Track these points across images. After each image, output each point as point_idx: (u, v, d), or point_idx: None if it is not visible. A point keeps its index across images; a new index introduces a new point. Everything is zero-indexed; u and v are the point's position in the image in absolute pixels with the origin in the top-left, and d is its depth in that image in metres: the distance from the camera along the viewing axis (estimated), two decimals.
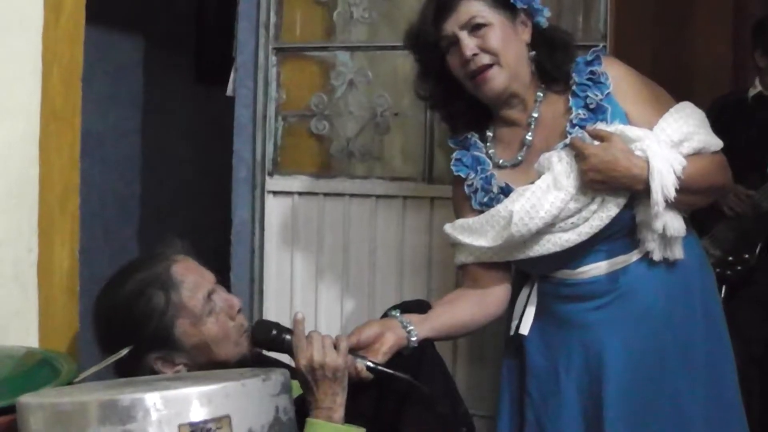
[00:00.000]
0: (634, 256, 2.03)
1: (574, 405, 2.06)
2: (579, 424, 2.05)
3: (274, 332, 1.88)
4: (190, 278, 1.90)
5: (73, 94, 1.95)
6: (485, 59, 1.99)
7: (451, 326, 2.08)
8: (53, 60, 1.90)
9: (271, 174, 2.67)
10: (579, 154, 1.95)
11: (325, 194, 2.63)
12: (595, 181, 1.94)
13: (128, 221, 3.59)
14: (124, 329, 1.86)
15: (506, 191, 2.05)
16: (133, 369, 1.84)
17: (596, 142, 1.95)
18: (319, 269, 2.63)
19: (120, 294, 1.87)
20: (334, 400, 1.80)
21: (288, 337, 1.86)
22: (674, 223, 1.97)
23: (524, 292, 2.15)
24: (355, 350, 1.90)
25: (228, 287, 2.62)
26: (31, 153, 1.88)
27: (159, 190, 3.71)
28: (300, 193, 2.65)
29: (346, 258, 2.60)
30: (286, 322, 2.56)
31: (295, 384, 2.19)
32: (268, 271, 2.66)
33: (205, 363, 1.89)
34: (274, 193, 2.67)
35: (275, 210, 2.67)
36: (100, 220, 3.36)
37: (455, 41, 2.00)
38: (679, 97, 2.09)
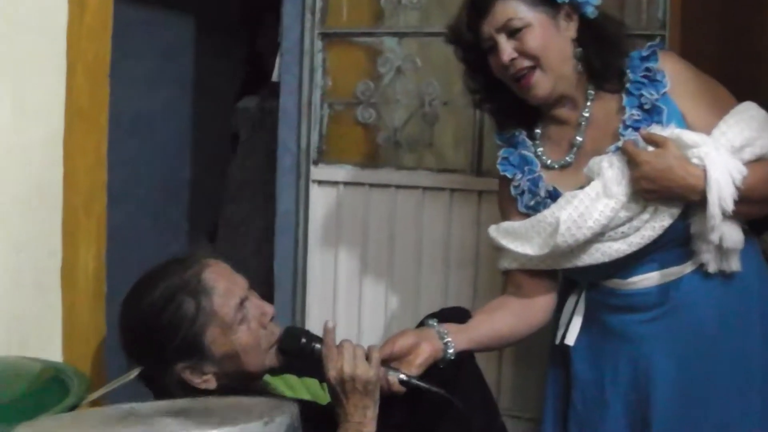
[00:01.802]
0: (687, 268, 1.92)
1: (620, 418, 1.97)
2: None
3: (304, 340, 1.81)
4: (222, 284, 1.84)
5: (99, 92, 1.89)
6: (525, 63, 1.88)
7: (491, 338, 2.00)
8: (78, 58, 1.84)
9: (316, 163, 2.59)
10: (631, 161, 1.84)
11: (371, 185, 2.55)
12: (648, 191, 1.83)
13: (177, 204, 3.54)
14: (151, 337, 1.79)
15: (554, 195, 1.95)
16: (160, 378, 1.80)
17: (650, 148, 1.84)
18: (363, 261, 2.56)
19: (148, 300, 1.80)
20: (365, 413, 1.72)
21: (318, 346, 1.78)
22: (732, 235, 1.85)
23: (571, 300, 2.05)
24: (388, 361, 1.83)
25: (267, 286, 2.60)
26: (54, 154, 1.83)
27: (207, 174, 3.66)
28: (345, 183, 2.57)
29: (391, 251, 2.53)
30: (329, 317, 2.55)
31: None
32: (312, 263, 2.60)
33: (234, 372, 1.83)
34: (319, 182, 2.60)
35: (320, 200, 2.60)
36: (148, 203, 3.33)
37: (494, 44, 1.89)
38: (748, 92, 1.95)
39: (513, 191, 2.01)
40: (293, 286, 2.61)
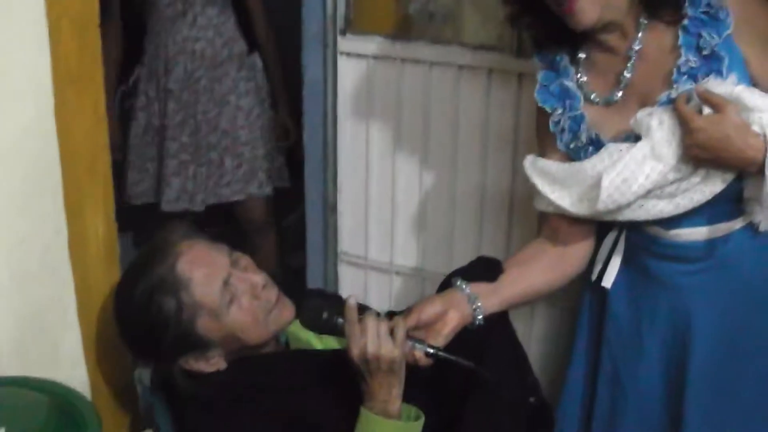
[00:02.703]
0: (738, 224, 1.80)
1: (655, 361, 1.92)
2: (658, 382, 1.93)
3: (326, 315, 1.75)
4: (199, 273, 1.76)
5: (90, 48, 1.70)
6: None
7: (524, 295, 1.92)
8: (62, 14, 1.64)
9: (343, 33, 2.38)
10: (684, 124, 1.65)
11: (403, 59, 2.35)
12: (701, 159, 1.66)
13: None
14: (144, 340, 1.78)
15: (597, 144, 1.79)
16: (167, 374, 1.79)
17: (706, 109, 1.64)
18: (396, 138, 2.43)
19: (130, 305, 1.77)
20: (390, 392, 1.70)
21: (340, 320, 1.72)
22: None
23: (610, 237, 1.94)
24: (414, 331, 1.78)
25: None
26: (48, 128, 1.69)
27: None
28: (375, 57, 2.38)
29: (426, 128, 2.38)
30: (361, 192, 2.47)
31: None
32: (342, 137, 2.47)
33: (240, 348, 1.81)
34: (347, 54, 2.40)
35: (349, 73, 2.42)
36: None
37: None
38: None
39: (552, 127, 1.84)
40: (323, 158, 2.50)
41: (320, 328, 1.78)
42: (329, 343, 1.97)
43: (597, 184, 1.73)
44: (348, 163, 2.50)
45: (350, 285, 2.60)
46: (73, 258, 1.79)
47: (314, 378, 1.80)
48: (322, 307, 1.76)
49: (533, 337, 2.45)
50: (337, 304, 1.75)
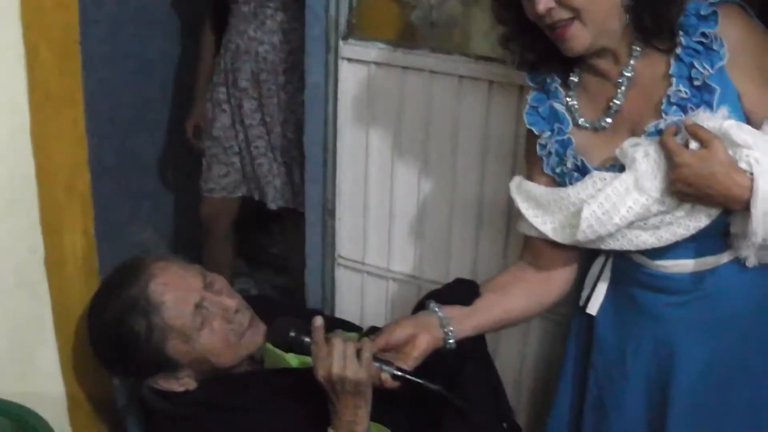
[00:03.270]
0: (724, 258, 1.76)
1: (640, 389, 1.91)
2: (642, 409, 1.92)
3: (293, 334, 1.76)
4: (171, 295, 1.76)
5: (70, 70, 1.69)
6: (563, 14, 1.62)
7: (499, 321, 1.90)
8: (39, 38, 1.63)
9: (345, 38, 2.35)
10: (669, 158, 1.61)
11: (404, 67, 2.32)
12: (685, 194, 1.62)
13: None
14: (114, 358, 1.80)
15: (582, 170, 1.75)
16: (137, 390, 1.80)
17: (693, 143, 1.60)
18: (396, 146, 2.40)
19: (101, 323, 1.79)
20: (356, 413, 1.70)
21: (307, 339, 1.73)
22: None
23: (597, 263, 1.92)
24: (383, 352, 1.76)
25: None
26: (23, 148, 1.69)
27: None
28: (377, 63, 2.34)
29: (426, 138, 2.35)
30: (360, 197, 2.45)
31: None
32: (342, 142, 2.45)
33: (210, 369, 1.81)
34: (349, 60, 2.37)
35: (350, 78, 2.39)
36: None
37: None
38: None
39: (539, 149, 1.81)
40: (323, 162, 2.48)
41: (287, 347, 1.78)
42: (306, 360, 1.96)
43: (579, 213, 1.71)
44: (347, 168, 2.48)
45: (347, 289, 2.60)
46: (50, 275, 1.79)
47: (285, 397, 1.81)
48: (290, 326, 1.76)
49: (528, 347, 2.43)
50: (307, 323, 1.75)
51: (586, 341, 1.98)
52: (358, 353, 1.68)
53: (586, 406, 1.98)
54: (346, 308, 2.61)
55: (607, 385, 1.93)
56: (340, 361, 1.66)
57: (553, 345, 2.37)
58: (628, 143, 1.68)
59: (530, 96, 1.83)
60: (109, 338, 1.77)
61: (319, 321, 1.70)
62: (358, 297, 2.59)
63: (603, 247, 1.76)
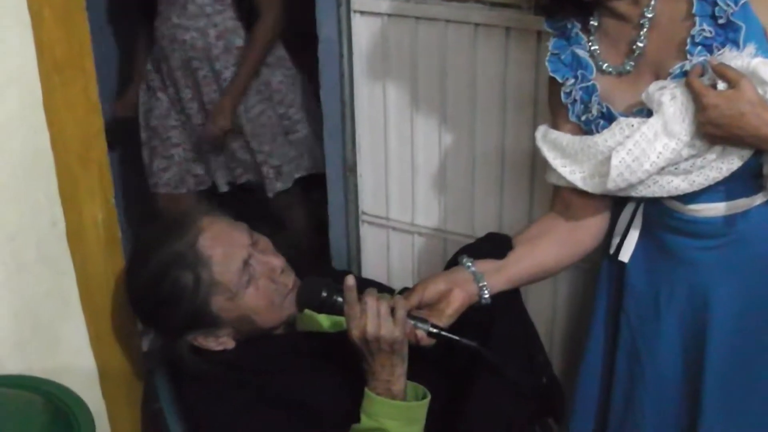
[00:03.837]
0: (757, 200, 1.72)
1: (674, 335, 1.87)
2: (677, 356, 1.88)
3: (324, 294, 1.71)
4: (220, 250, 1.74)
5: (77, 36, 1.65)
6: None
7: (532, 273, 1.86)
8: (43, 3, 1.59)
9: None
10: (696, 100, 1.56)
11: (417, 18, 2.26)
12: (714, 136, 1.58)
13: None
14: (155, 312, 1.76)
15: (608, 117, 1.71)
16: (173, 348, 1.76)
17: (721, 84, 1.55)
18: (413, 98, 2.36)
19: (144, 275, 1.74)
20: (392, 372, 1.67)
21: (340, 299, 1.69)
22: None
23: (627, 210, 1.87)
24: (417, 310, 1.73)
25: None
26: (37, 120, 1.65)
27: None
28: (389, 15, 2.29)
29: (443, 89, 2.31)
30: (380, 152, 2.42)
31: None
32: (359, 96, 2.41)
33: (250, 330, 1.78)
34: (361, 12, 2.32)
35: (363, 31, 2.34)
36: None
37: None
38: None
39: (564, 98, 1.77)
40: (341, 118, 2.44)
41: (319, 307, 1.74)
42: (338, 321, 1.95)
43: (608, 161, 1.66)
44: (366, 123, 2.44)
45: (372, 245, 2.58)
46: (72, 248, 1.77)
47: (318, 361, 1.79)
48: (321, 286, 1.73)
49: (559, 296, 2.41)
50: (338, 283, 1.72)
51: (616, 288, 1.95)
52: (392, 311, 1.65)
53: (619, 352, 1.95)
54: (372, 265, 2.59)
55: (640, 330, 1.90)
56: (374, 320, 1.63)
57: (584, 293, 2.34)
58: (653, 87, 1.63)
59: (551, 43, 1.78)
60: (151, 291, 1.73)
61: (351, 280, 1.66)
62: (383, 253, 2.56)
63: (634, 194, 1.72)
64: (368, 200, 2.54)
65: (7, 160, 1.63)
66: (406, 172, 2.45)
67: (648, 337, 1.90)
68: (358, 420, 1.68)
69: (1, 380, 1.64)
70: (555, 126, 1.81)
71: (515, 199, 2.34)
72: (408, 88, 2.35)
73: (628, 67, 1.69)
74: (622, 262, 1.89)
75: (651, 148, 1.61)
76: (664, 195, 1.69)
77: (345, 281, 1.67)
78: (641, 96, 1.65)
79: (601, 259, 2.00)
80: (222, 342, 1.77)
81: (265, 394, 1.73)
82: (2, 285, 1.66)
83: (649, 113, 1.65)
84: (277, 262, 1.79)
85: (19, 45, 1.60)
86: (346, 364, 1.74)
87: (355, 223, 2.56)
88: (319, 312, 1.77)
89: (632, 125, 1.65)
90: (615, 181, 1.65)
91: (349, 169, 2.50)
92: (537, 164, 2.27)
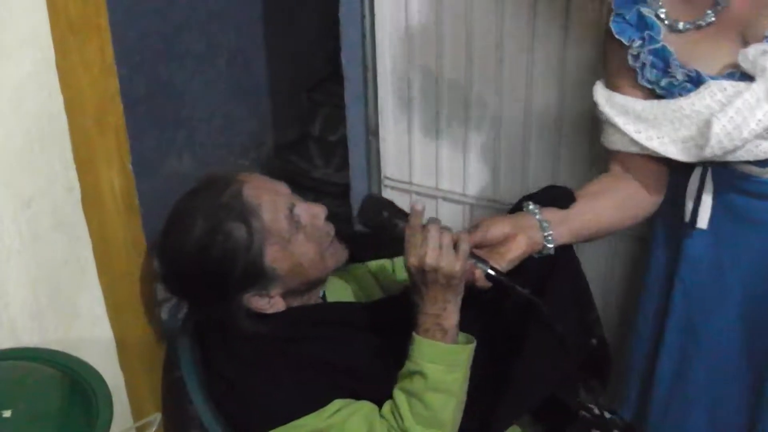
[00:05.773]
0: None
1: (735, 303, 1.79)
2: (738, 328, 1.80)
3: (386, 214, 1.66)
4: (267, 198, 1.68)
5: None
6: None
7: (592, 230, 1.78)
8: None
9: None
10: None
11: None
12: None
13: None
14: (207, 277, 1.67)
15: (696, 81, 1.60)
16: (224, 314, 1.70)
17: None
18: (438, 60, 2.28)
19: (191, 238, 1.65)
20: (444, 307, 1.61)
21: (402, 223, 1.63)
22: None
23: (696, 174, 1.75)
24: (477, 249, 1.65)
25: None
26: (50, 83, 1.58)
27: None
28: None
29: (469, 50, 2.24)
30: (404, 115, 2.36)
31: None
32: (382, 58, 2.34)
33: (299, 285, 1.74)
34: None
35: None
36: None
37: None
38: None
39: (631, 61, 1.65)
40: (363, 81, 2.38)
41: (377, 227, 1.68)
42: (367, 285, 1.92)
43: (695, 125, 1.58)
44: (389, 86, 2.37)
45: None
46: (88, 214, 1.72)
47: (350, 328, 1.76)
48: (383, 206, 1.68)
49: (615, 260, 2.35)
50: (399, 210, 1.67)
51: (672, 257, 1.87)
52: (454, 245, 1.59)
53: (669, 327, 1.87)
54: None
55: (699, 301, 1.82)
56: (435, 250, 1.56)
57: (637, 261, 2.28)
58: (754, 51, 1.52)
59: (614, 1, 1.67)
60: (200, 253, 1.65)
61: (419, 206, 1.60)
62: None
63: (717, 160, 1.62)
64: (391, 165, 2.47)
65: (20, 125, 1.58)
66: (430, 136, 2.38)
67: (707, 309, 1.82)
68: (393, 382, 1.65)
69: (18, 353, 1.59)
70: (616, 89, 1.71)
71: (542, 162, 2.29)
72: (433, 50, 2.28)
73: (709, 20, 1.59)
74: (677, 229, 1.81)
75: (751, 115, 1.52)
76: (750, 159, 1.59)
77: (412, 206, 1.61)
78: (727, 56, 1.57)
79: (652, 228, 1.93)
80: (274, 303, 1.71)
81: (301, 360, 1.68)
82: (19, 254, 1.61)
83: (742, 76, 1.55)
84: (320, 209, 1.75)
85: (31, 4, 1.53)
86: (376, 332, 1.72)
87: (378, 188, 2.51)
88: (377, 231, 1.69)
89: (724, 89, 1.55)
90: (713, 148, 1.56)
91: (372, 133, 2.43)
92: (564, 126, 2.21)
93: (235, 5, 3.45)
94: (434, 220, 1.61)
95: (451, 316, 1.61)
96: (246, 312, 1.70)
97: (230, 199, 1.66)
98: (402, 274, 1.95)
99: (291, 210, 1.71)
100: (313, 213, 1.74)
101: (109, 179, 1.73)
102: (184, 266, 1.68)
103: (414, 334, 1.62)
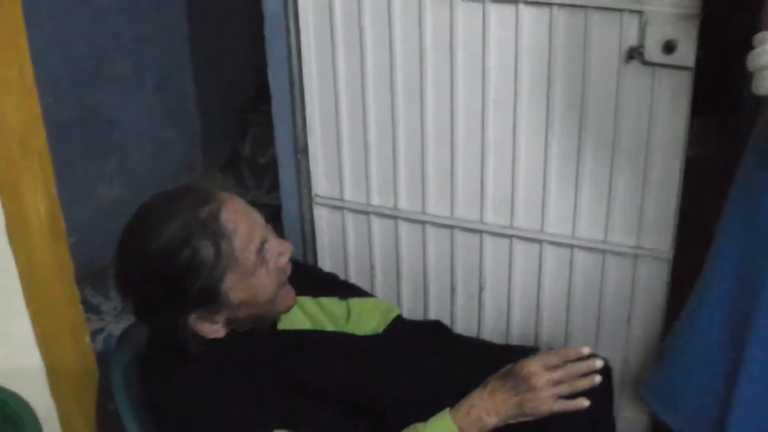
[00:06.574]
0: None
1: None
2: None
3: None
4: (243, 227, 1.66)
5: (10, 17, 1.56)
6: None
7: None
8: None
9: None
10: None
11: None
12: None
13: None
14: (161, 283, 1.63)
15: None
16: (167, 329, 1.67)
17: None
18: (364, 74, 2.29)
19: (157, 242, 1.62)
20: (498, 411, 1.67)
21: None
22: None
23: None
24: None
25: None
26: None
27: None
28: None
29: (393, 62, 2.25)
30: (332, 131, 2.35)
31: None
32: (309, 75, 2.34)
33: (245, 317, 1.72)
34: None
35: (310, 5, 2.27)
36: None
37: None
38: None
39: None
40: (291, 98, 2.38)
41: None
42: (319, 318, 1.92)
43: None
44: (316, 102, 2.37)
45: (327, 228, 2.51)
46: (13, 241, 1.69)
47: (304, 356, 1.77)
48: None
49: None
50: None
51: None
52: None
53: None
54: (327, 249, 2.53)
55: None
56: (549, 384, 1.65)
57: None
58: None
59: None
60: (163, 261, 1.61)
61: (586, 350, 1.68)
62: (339, 236, 2.50)
63: None
64: (321, 182, 2.47)
65: None
66: (359, 150, 2.39)
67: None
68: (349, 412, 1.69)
69: None
70: None
71: (468, 177, 2.30)
72: (358, 63, 2.29)
73: None
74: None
75: None
76: None
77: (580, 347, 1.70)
78: None
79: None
80: (215, 330, 1.70)
81: (248, 385, 1.67)
82: None
83: None
84: (286, 247, 1.74)
85: None
86: (330, 359, 1.75)
87: (309, 206, 2.50)
88: None
89: None
90: None
91: (301, 151, 2.43)
92: (490, 145, 2.23)
93: (161, 28, 3.43)
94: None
95: (494, 421, 1.66)
96: (189, 332, 1.68)
97: (208, 217, 1.64)
98: (358, 328, 1.96)
99: (263, 244, 1.70)
100: (280, 251, 1.73)
101: (34, 205, 1.70)
102: (143, 264, 1.65)
103: (448, 409, 1.66)
